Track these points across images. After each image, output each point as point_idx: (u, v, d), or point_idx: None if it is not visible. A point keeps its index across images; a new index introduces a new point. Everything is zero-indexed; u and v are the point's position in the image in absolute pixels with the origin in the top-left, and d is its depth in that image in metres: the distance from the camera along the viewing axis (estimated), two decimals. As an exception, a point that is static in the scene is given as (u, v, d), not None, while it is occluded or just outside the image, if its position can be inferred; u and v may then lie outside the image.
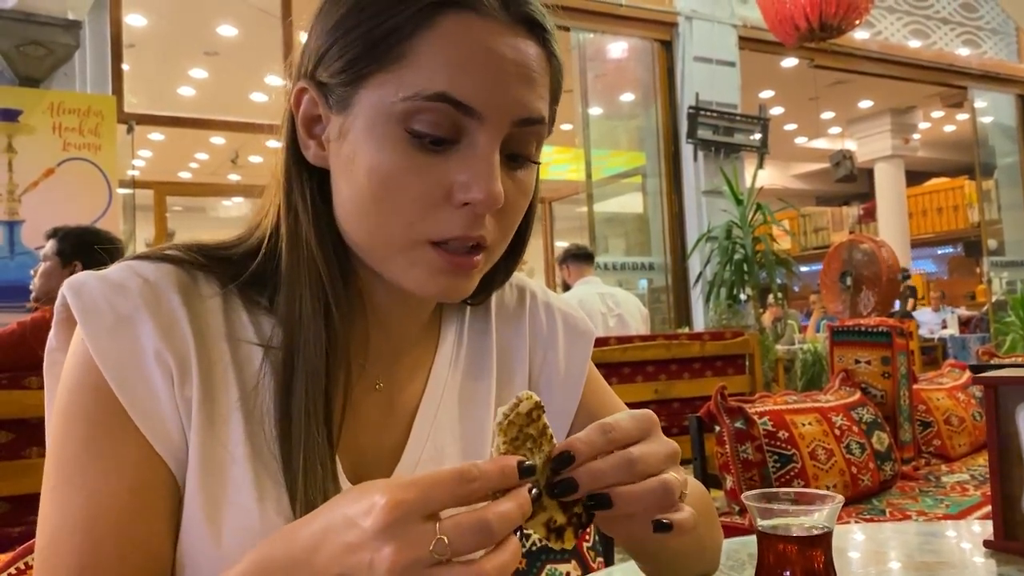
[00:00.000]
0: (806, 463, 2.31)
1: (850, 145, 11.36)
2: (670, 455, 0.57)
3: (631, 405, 0.70)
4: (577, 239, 6.40)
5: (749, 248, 5.82)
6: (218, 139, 9.70)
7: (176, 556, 0.62)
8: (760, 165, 6.60)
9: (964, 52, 8.70)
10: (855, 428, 2.50)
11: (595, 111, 7.00)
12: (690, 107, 6.62)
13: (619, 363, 3.33)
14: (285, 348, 0.65)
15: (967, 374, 3.32)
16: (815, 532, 0.61)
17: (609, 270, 6.59)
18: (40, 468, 0.62)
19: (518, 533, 0.50)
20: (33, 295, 2.89)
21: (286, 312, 0.66)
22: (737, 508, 2.31)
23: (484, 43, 0.61)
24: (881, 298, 6.01)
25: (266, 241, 0.68)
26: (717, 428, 2.33)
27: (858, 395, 2.70)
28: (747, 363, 3.67)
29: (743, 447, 2.28)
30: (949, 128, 12.93)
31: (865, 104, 11.48)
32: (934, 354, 7.67)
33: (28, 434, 2.18)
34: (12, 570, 0.78)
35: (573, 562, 1.11)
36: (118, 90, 4.96)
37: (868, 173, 12.52)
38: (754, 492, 0.63)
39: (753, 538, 0.64)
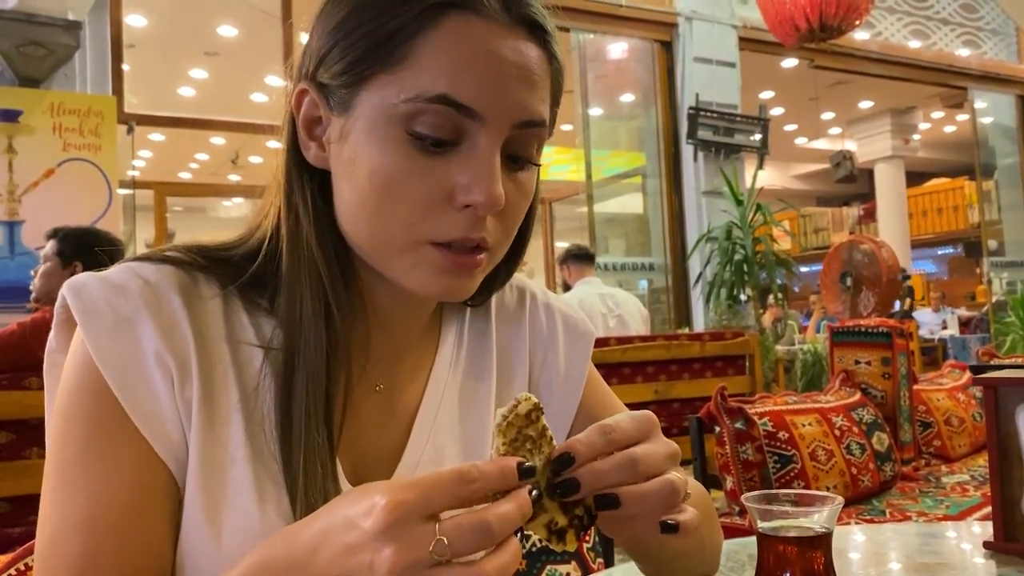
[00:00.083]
0: (806, 464, 2.31)
1: (850, 146, 11.37)
2: (671, 455, 0.57)
3: (631, 406, 0.70)
4: (577, 239, 6.40)
5: (749, 248, 5.82)
6: (218, 139, 9.70)
7: (176, 557, 0.62)
8: (760, 166, 6.60)
9: (964, 53, 8.70)
10: (855, 429, 2.50)
11: (595, 111, 7.00)
12: (690, 108, 6.62)
13: (619, 364, 3.33)
14: (286, 349, 0.65)
15: (967, 375, 3.32)
16: (815, 533, 0.61)
17: (609, 270, 6.59)
18: (40, 469, 0.62)
19: (518, 534, 0.49)
20: (33, 295, 2.89)
21: (287, 313, 0.66)
22: (737, 509, 2.31)
23: (485, 45, 0.61)
24: (881, 299, 6.01)
25: (266, 242, 0.68)
26: (717, 429, 2.33)
27: (858, 396, 2.70)
28: (747, 364, 3.67)
29: (743, 448, 2.28)
30: (949, 128, 12.93)
31: (865, 104, 11.48)
32: (934, 355, 7.67)
33: (28, 435, 2.18)
34: (12, 571, 0.78)
35: (573, 563, 1.11)
36: (118, 90, 4.96)
37: (868, 174, 12.52)
38: (754, 493, 0.63)
39: (753, 539, 0.64)
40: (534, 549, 1.10)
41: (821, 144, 12.89)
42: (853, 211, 14.79)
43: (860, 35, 7.63)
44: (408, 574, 0.45)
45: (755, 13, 6.03)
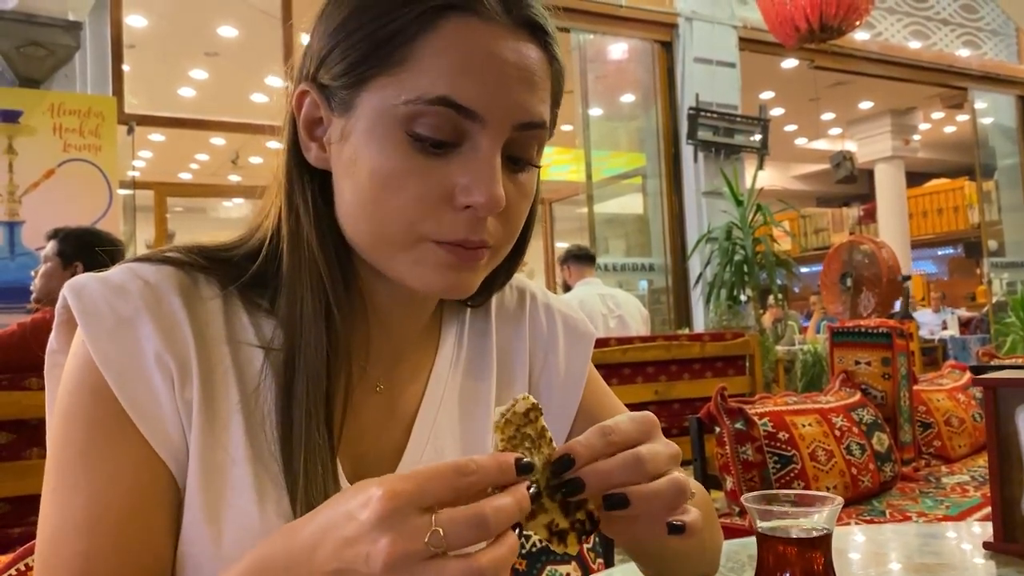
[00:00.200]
0: (806, 464, 2.31)
1: (850, 146, 11.37)
2: (673, 456, 0.58)
3: (631, 406, 0.70)
4: (577, 240, 6.40)
5: (749, 249, 5.82)
6: (218, 140, 9.70)
7: (177, 557, 0.62)
8: (760, 166, 6.60)
9: (964, 53, 8.70)
10: (855, 429, 2.50)
11: (595, 112, 7.00)
12: (690, 108, 6.62)
13: (619, 364, 3.33)
14: (286, 350, 0.65)
15: (967, 375, 3.32)
16: (815, 534, 0.61)
17: (609, 271, 6.59)
18: (40, 469, 0.62)
19: (517, 530, 0.49)
20: (34, 296, 2.89)
21: (287, 314, 0.66)
22: (737, 509, 2.31)
23: (486, 47, 0.61)
24: (881, 299, 6.01)
25: (267, 243, 0.68)
26: (717, 429, 2.33)
27: (858, 396, 2.70)
28: (747, 364, 3.67)
29: (743, 448, 2.28)
30: (949, 129, 12.93)
31: (865, 105, 11.48)
32: (934, 355, 7.66)
33: (28, 435, 2.18)
34: (12, 571, 0.78)
35: (573, 563, 1.11)
36: (118, 91, 4.96)
37: (868, 174, 12.52)
38: (754, 494, 0.63)
39: (753, 540, 0.64)
40: (534, 549, 1.10)
41: (821, 145, 12.89)
42: (853, 212, 14.79)
43: (860, 36, 7.64)
44: (403, 565, 0.45)
45: (755, 13, 6.04)
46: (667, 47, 6.92)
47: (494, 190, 0.61)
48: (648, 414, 0.58)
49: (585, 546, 1.14)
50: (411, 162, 0.61)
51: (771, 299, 6.79)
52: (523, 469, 0.50)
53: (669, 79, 6.92)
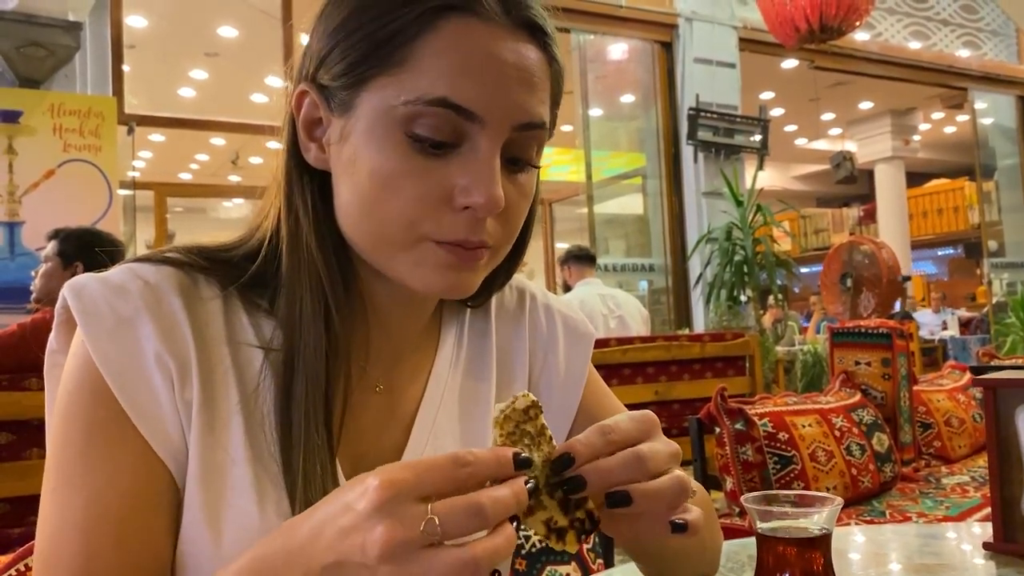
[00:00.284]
0: (806, 465, 2.31)
1: (850, 146, 11.37)
2: (674, 455, 0.58)
3: (631, 407, 0.70)
4: (577, 240, 6.40)
5: (749, 249, 5.82)
6: (218, 140, 9.70)
7: (176, 557, 0.63)
8: (760, 166, 6.60)
9: (964, 53, 8.70)
10: (855, 430, 2.50)
11: (595, 112, 7.00)
12: (690, 108, 6.62)
13: (619, 364, 3.33)
14: (285, 351, 0.65)
15: (967, 375, 3.32)
16: (814, 534, 0.61)
17: (609, 271, 6.59)
18: (40, 470, 0.62)
19: (515, 523, 0.49)
20: (34, 296, 2.89)
21: (286, 314, 0.66)
22: (737, 510, 2.31)
23: (485, 47, 0.61)
24: (881, 299, 6.01)
25: (266, 243, 0.69)
26: (717, 430, 2.33)
27: (858, 396, 2.70)
28: (747, 364, 3.67)
29: (743, 448, 2.28)
30: (949, 129, 12.93)
31: (865, 105, 11.49)
32: (934, 355, 7.66)
33: (28, 435, 2.18)
34: (12, 572, 0.78)
35: (573, 564, 1.11)
36: (118, 91, 4.96)
37: (868, 174, 12.52)
38: (753, 494, 0.63)
39: (753, 540, 0.64)
40: (534, 550, 1.10)
41: (821, 145, 12.89)
42: (853, 212, 14.79)
43: (860, 36, 7.64)
44: (399, 554, 0.45)
45: (755, 14, 6.04)
46: (667, 47, 6.92)
47: (493, 191, 0.61)
48: (648, 413, 0.59)
49: (585, 546, 1.14)
50: (410, 163, 0.61)
51: (771, 299, 6.79)
52: (521, 464, 0.50)
53: (669, 79, 6.92)
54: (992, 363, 3.40)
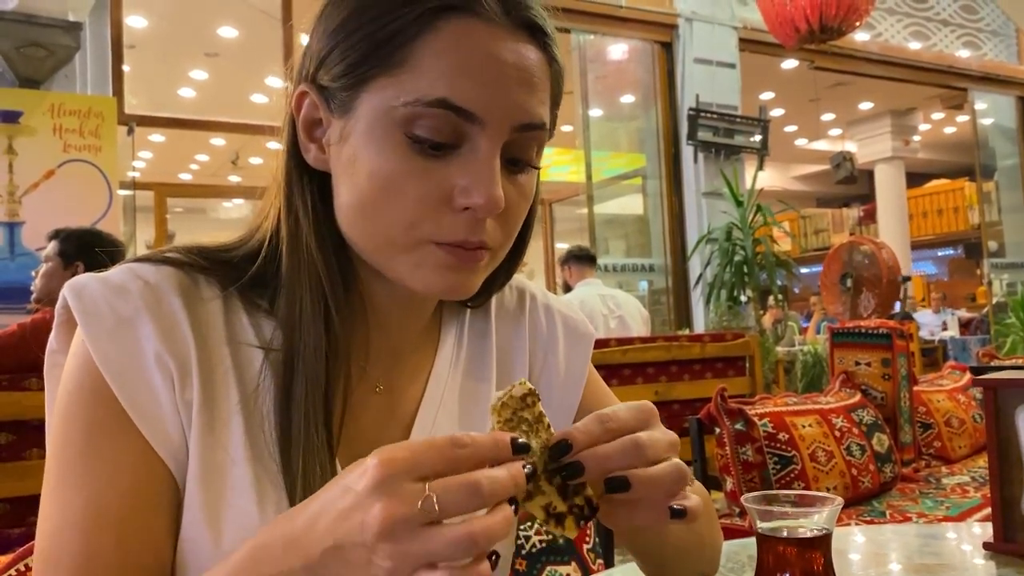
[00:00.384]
0: (806, 465, 2.31)
1: (850, 147, 11.37)
2: (672, 444, 0.58)
3: (631, 407, 0.70)
4: (577, 240, 6.40)
5: (749, 250, 5.82)
6: (218, 140, 9.70)
7: (177, 556, 0.63)
8: (760, 167, 6.60)
9: (964, 54, 8.70)
10: (855, 430, 2.50)
11: (595, 113, 7.00)
12: (690, 109, 6.62)
13: (619, 365, 3.33)
14: (285, 351, 0.65)
15: (967, 376, 3.32)
16: (814, 534, 0.61)
17: (609, 271, 6.59)
18: (40, 470, 0.62)
19: (513, 506, 0.49)
20: (35, 296, 2.90)
21: (286, 315, 0.66)
22: (737, 510, 2.31)
23: (485, 48, 0.61)
24: (881, 300, 6.02)
25: (266, 244, 0.68)
26: (717, 430, 2.33)
27: (858, 397, 2.70)
28: (747, 365, 3.67)
29: (743, 449, 2.28)
30: (949, 130, 12.93)
31: (865, 106, 11.48)
32: (934, 356, 7.66)
33: (28, 436, 2.18)
34: (12, 572, 0.78)
35: (573, 564, 1.11)
36: (118, 91, 4.96)
37: (868, 175, 12.52)
38: (754, 494, 0.63)
39: (753, 540, 0.64)
40: (534, 550, 1.10)
41: (821, 145, 12.89)
42: (853, 212, 14.79)
43: (860, 36, 7.64)
44: (398, 531, 0.45)
45: (755, 14, 6.04)
46: (667, 48, 6.92)
47: (493, 192, 0.61)
48: (646, 403, 0.59)
49: (585, 546, 1.14)
50: (410, 163, 0.61)
51: (771, 300, 6.79)
52: (519, 449, 0.50)
53: (669, 80, 6.92)
54: (992, 363, 3.40)
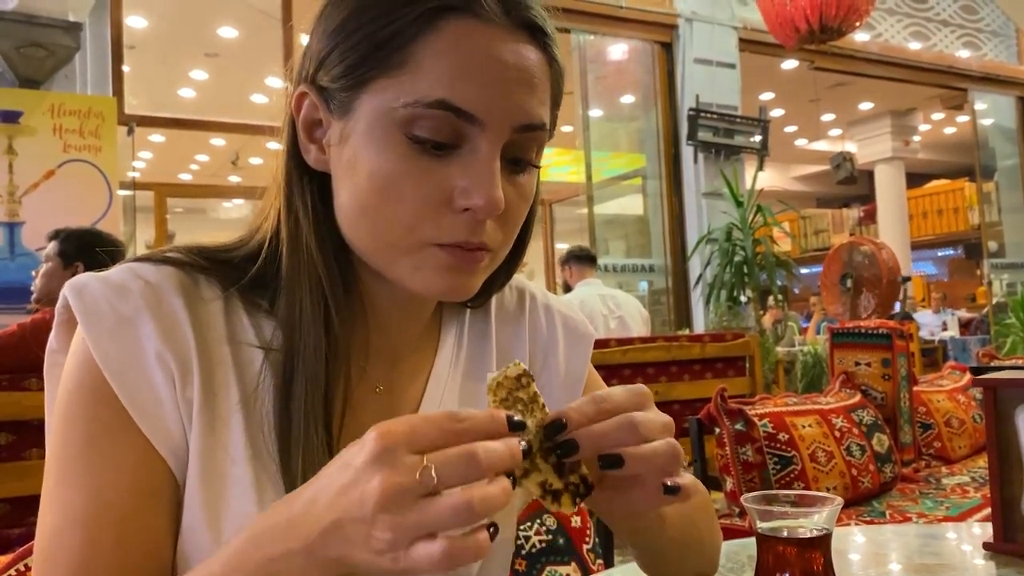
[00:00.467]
0: (806, 465, 2.31)
1: (850, 147, 11.36)
2: (666, 425, 0.58)
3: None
4: (577, 241, 6.40)
5: (749, 250, 5.82)
6: (218, 141, 9.70)
7: (177, 555, 0.63)
8: (760, 167, 6.60)
9: (964, 54, 8.70)
10: (855, 430, 2.50)
11: (595, 113, 7.00)
12: (690, 109, 6.62)
13: (619, 365, 3.33)
14: (285, 351, 0.65)
15: (967, 376, 3.32)
16: (814, 534, 0.61)
17: (609, 272, 6.59)
18: (40, 470, 0.62)
19: (510, 478, 0.50)
20: (35, 296, 2.90)
21: (286, 315, 0.66)
22: (737, 510, 2.31)
23: (485, 49, 0.61)
24: (881, 300, 6.02)
25: (266, 244, 0.68)
26: (717, 430, 2.33)
27: (858, 397, 2.70)
28: (747, 365, 3.67)
29: (743, 449, 2.28)
30: (949, 130, 12.93)
31: (865, 106, 11.48)
32: (934, 356, 7.66)
33: (28, 436, 2.18)
34: (12, 571, 0.78)
35: (573, 564, 1.11)
36: (118, 92, 4.96)
37: (868, 175, 12.52)
38: (753, 494, 0.63)
39: (753, 540, 0.64)
40: (534, 550, 1.10)
41: (821, 146, 12.89)
42: (853, 213, 14.79)
43: (860, 36, 7.64)
44: (397, 501, 0.45)
45: (755, 14, 6.04)
46: (667, 48, 6.92)
47: (493, 193, 0.61)
48: (641, 386, 0.60)
49: (585, 547, 1.14)
50: (410, 164, 0.61)
51: (771, 300, 6.79)
52: (515, 427, 0.50)
53: (669, 80, 6.92)
54: (992, 364, 3.40)
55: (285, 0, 5.64)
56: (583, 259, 4.53)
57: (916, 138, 12.35)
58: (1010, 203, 9.50)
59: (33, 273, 2.96)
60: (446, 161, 0.62)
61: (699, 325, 6.52)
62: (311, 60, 0.66)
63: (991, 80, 8.93)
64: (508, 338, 0.82)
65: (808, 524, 0.61)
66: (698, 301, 6.48)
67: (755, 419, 2.33)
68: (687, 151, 6.72)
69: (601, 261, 6.18)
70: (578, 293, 4.39)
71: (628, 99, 7.37)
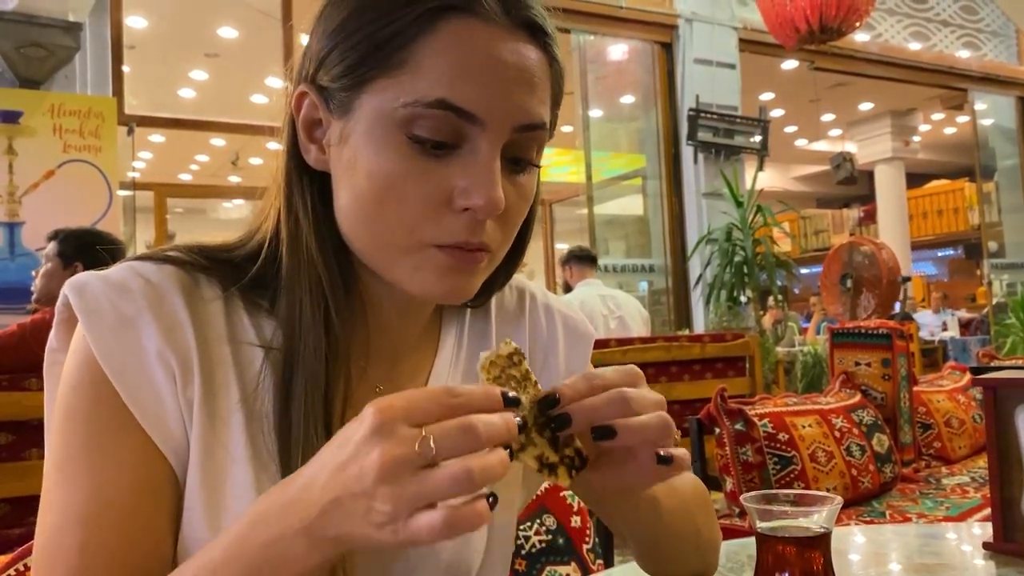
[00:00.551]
0: (806, 465, 2.31)
1: (850, 147, 11.36)
2: (658, 402, 0.59)
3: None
4: (577, 241, 6.40)
5: (749, 250, 5.82)
6: (218, 141, 9.70)
7: (177, 554, 0.63)
8: (760, 167, 6.60)
9: (964, 54, 8.70)
10: (855, 430, 2.50)
11: (595, 113, 7.00)
12: (690, 109, 6.62)
13: (619, 365, 3.33)
14: (285, 351, 0.65)
15: (967, 376, 3.32)
16: (814, 533, 0.61)
17: (609, 272, 6.59)
18: (40, 470, 0.62)
19: (508, 450, 0.51)
20: (35, 296, 2.90)
21: (286, 316, 0.66)
22: (737, 510, 2.31)
23: (485, 48, 0.61)
24: (881, 300, 6.02)
25: (267, 244, 0.68)
26: (717, 430, 2.33)
27: (858, 397, 2.70)
28: (747, 365, 3.67)
29: (743, 449, 2.28)
30: (949, 130, 12.93)
31: (865, 106, 11.49)
32: (934, 356, 7.66)
33: (28, 435, 2.18)
34: (11, 572, 0.78)
35: (573, 564, 1.11)
36: (118, 92, 4.96)
37: (868, 175, 12.52)
38: (753, 494, 0.63)
39: (753, 540, 0.64)
40: (534, 550, 1.10)
41: (821, 146, 12.89)
42: (853, 213, 14.79)
43: (860, 37, 7.63)
44: (397, 473, 0.46)
45: (755, 15, 6.04)
46: (667, 48, 6.92)
47: (493, 193, 0.61)
48: (633, 366, 0.60)
49: (585, 547, 1.14)
50: (410, 163, 0.61)
51: (771, 300, 6.79)
52: (510, 402, 0.51)
53: (669, 80, 6.92)
54: (992, 364, 3.40)
55: (285, 0, 5.64)
56: (584, 259, 4.53)
57: (916, 138, 12.36)
58: (1010, 203, 9.50)
59: (33, 273, 2.96)
60: (446, 161, 0.62)
61: (699, 325, 6.52)
62: (311, 60, 0.66)
63: (991, 80, 8.93)
64: (508, 338, 0.82)
65: (808, 524, 0.61)
66: (698, 301, 6.48)
67: (755, 419, 2.33)
68: (687, 151, 6.72)
69: (601, 261, 6.18)
70: (578, 293, 4.39)
71: (628, 99, 7.37)
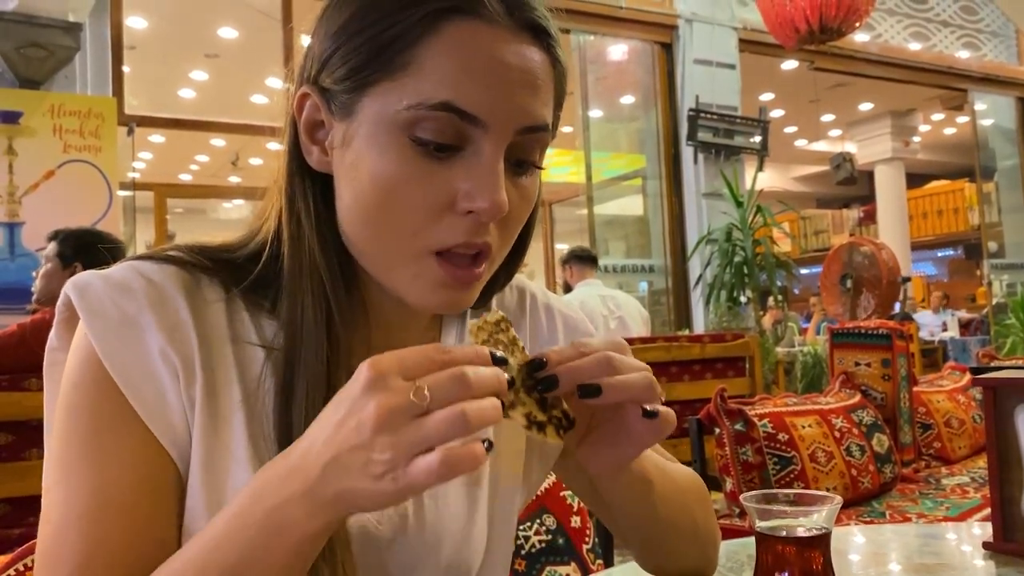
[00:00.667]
0: (806, 465, 2.31)
1: (850, 147, 11.36)
2: (643, 366, 0.61)
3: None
4: (577, 241, 6.41)
5: (749, 250, 5.83)
6: (218, 141, 9.70)
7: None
8: (760, 167, 6.60)
9: (964, 55, 8.71)
10: (855, 430, 2.50)
11: (595, 113, 7.01)
12: (690, 109, 6.62)
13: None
14: (287, 352, 0.65)
15: (967, 376, 3.32)
16: (813, 533, 0.61)
17: (609, 272, 6.59)
18: (40, 470, 0.62)
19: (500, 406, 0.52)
20: (35, 296, 2.90)
21: (288, 317, 0.66)
22: (737, 510, 2.31)
23: (489, 51, 0.61)
24: (881, 300, 6.02)
25: (268, 245, 0.68)
26: (717, 430, 2.33)
27: (858, 397, 2.70)
28: (747, 365, 3.67)
29: (743, 449, 2.28)
30: (949, 131, 12.93)
31: (865, 107, 11.49)
32: (934, 356, 7.67)
33: (28, 436, 2.18)
34: (11, 571, 0.78)
35: (573, 564, 1.11)
36: (118, 92, 4.96)
37: (868, 176, 12.52)
38: (752, 493, 0.63)
39: (752, 539, 0.64)
40: (534, 550, 1.10)
41: (821, 146, 12.89)
42: (853, 213, 14.79)
43: (860, 37, 7.64)
44: (393, 422, 0.47)
45: (755, 15, 6.04)
46: (667, 48, 6.92)
47: (497, 196, 0.61)
48: (619, 338, 0.62)
49: (585, 547, 1.14)
50: (413, 167, 0.61)
51: (771, 300, 6.79)
52: (498, 361, 0.52)
53: (669, 80, 6.92)
54: (992, 364, 3.40)
55: (285, 1, 5.64)
56: (584, 259, 4.53)
57: (916, 139, 12.36)
58: (1010, 203, 9.51)
59: (33, 274, 2.96)
60: (449, 164, 0.61)
61: (699, 325, 6.52)
62: (313, 61, 0.65)
63: (991, 81, 8.93)
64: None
65: (807, 523, 0.62)
66: (698, 301, 6.48)
67: (755, 419, 2.33)
68: (687, 151, 6.73)
69: (601, 261, 6.18)
70: (578, 293, 4.39)
71: (628, 99, 7.37)
